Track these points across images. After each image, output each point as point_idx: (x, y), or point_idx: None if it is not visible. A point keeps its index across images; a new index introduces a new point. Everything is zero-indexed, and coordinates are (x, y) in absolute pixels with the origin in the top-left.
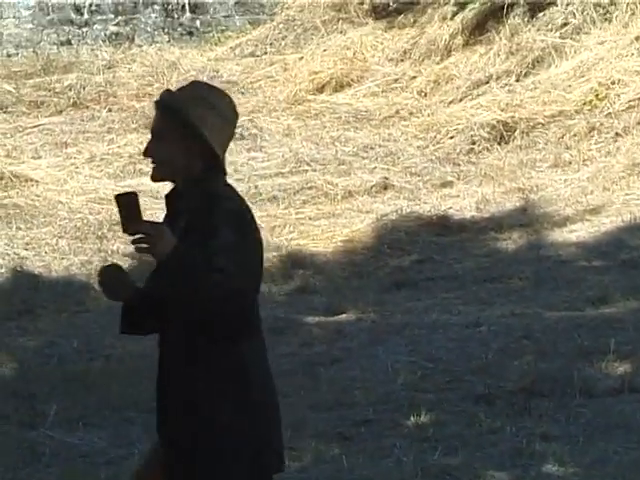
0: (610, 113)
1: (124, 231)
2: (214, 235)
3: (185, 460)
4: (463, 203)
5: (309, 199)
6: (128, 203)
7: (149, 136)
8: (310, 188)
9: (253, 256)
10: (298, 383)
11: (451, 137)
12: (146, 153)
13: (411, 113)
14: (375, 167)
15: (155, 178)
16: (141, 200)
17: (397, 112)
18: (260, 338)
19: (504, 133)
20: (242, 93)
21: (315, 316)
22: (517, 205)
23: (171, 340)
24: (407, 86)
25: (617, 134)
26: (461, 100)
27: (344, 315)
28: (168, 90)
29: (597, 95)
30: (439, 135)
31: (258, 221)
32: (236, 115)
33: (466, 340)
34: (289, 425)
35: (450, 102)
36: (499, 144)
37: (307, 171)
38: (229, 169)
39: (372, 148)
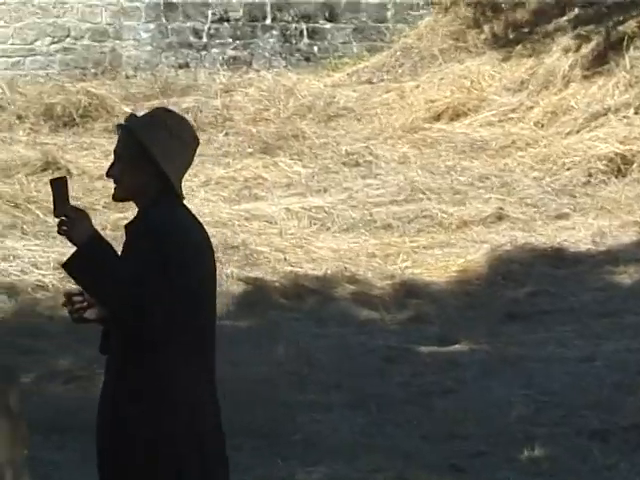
0: None
1: (54, 214)
2: (131, 247)
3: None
4: (579, 235)
5: (423, 228)
6: (59, 187)
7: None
8: (425, 217)
9: (174, 278)
10: (410, 413)
11: (568, 169)
12: (107, 173)
13: (527, 144)
14: (490, 197)
15: (115, 197)
16: (256, 226)
17: (513, 142)
18: (201, 361)
19: (621, 166)
20: (358, 120)
21: (428, 346)
22: (634, 239)
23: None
24: (524, 117)
25: None
26: (578, 132)
27: (457, 345)
28: (132, 114)
29: None
30: (555, 166)
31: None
32: (195, 141)
33: (581, 375)
34: (401, 455)
35: (567, 133)
36: (616, 177)
37: (422, 199)
38: (343, 195)
39: (487, 178)
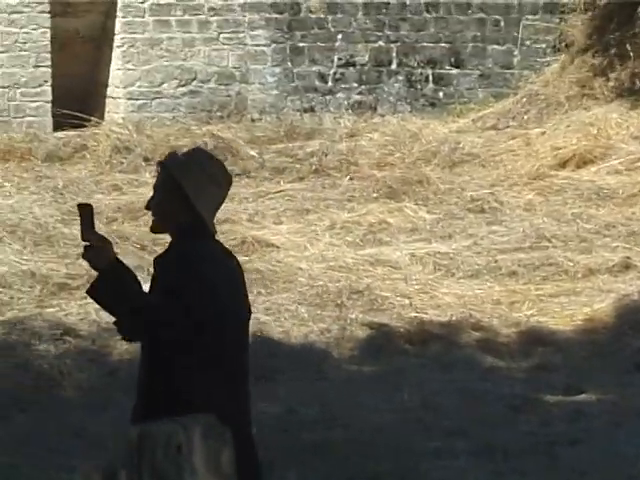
0: None
1: (81, 238)
2: (156, 275)
3: None
4: None
5: (549, 275)
6: (86, 214)
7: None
8: (550, 264)
9: (193, 306)
10: (537, 462)
11: None
12: (146, 206)
13: None
14: (617, 246)
15: (152, 229)
16: (381, 272)
17: None
18: (218, 378)
19: None
20: (483, 166)
21: (554, 395)
22: None
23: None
24: None
25: None
26: None
27: (584, 395)
28: (171, 152)
29: None
30: None
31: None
32: (227, 181)
33: None
34: None
35: None
36: None
37: (548, 247)
38: (468, 241)
39: (614, 226)
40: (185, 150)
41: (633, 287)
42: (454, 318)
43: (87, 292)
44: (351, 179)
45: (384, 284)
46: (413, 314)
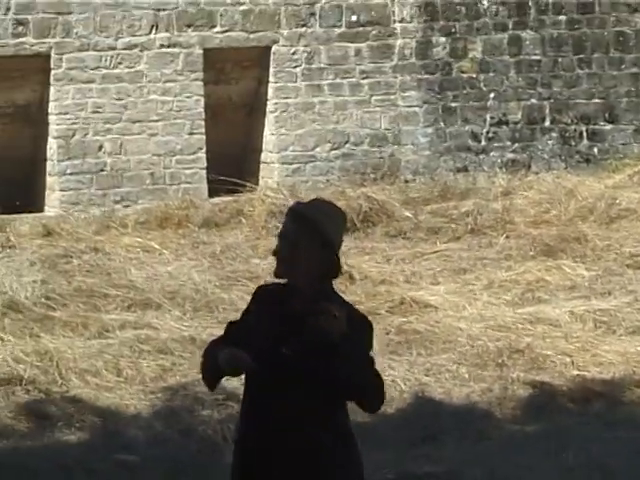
0: None
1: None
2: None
3: None
4: None
5: None
6: None
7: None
8: None
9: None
10: None
11: None
12: (278, 254)
13: None
14: None
15: (278, 274)
16: (540, 330)
17: None
18: None
19: None
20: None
21: None
22: None
23: (287, 403)
24: None
25: None
26: None
27: None
28: (299, 202)
29: None
30: None
31: None
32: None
33: None
34: None
35: None
36: None
37: None
38: (628, 297)
39: None
40: (307, 200)
41: None
42: (616, 375)
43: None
44: (507, 237)
45: (544, 342)
46: (575, 372)
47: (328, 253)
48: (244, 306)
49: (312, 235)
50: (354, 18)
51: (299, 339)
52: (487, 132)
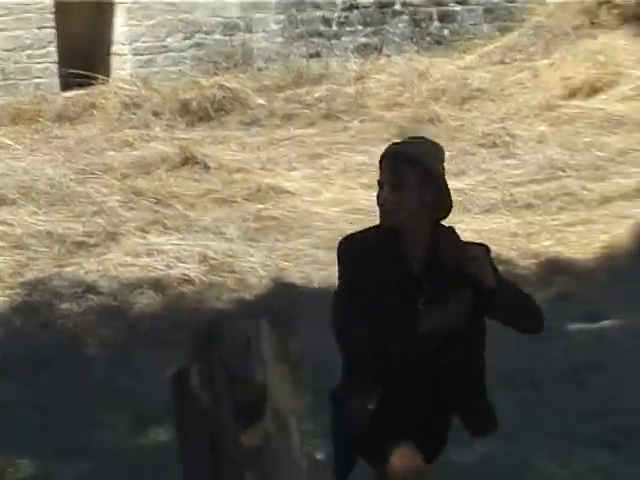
0: None
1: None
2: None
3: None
4: None
5: (565, 205)
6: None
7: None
8: (566, 194)
9: None
10: (562, 390)
11: None
12: (384, 202)
13: None
14: (632, 172)
15: (389, 222)
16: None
17: None
18: None
19: None
20: (492, 100)
21: (577, 323)
22: None
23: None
24: None
25: None
26: None
27: (607, 321)
28: (397, 143)
29: None
30: None
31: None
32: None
33: None
34: (554, 433)
35: None
36: None
37: (562, 177)
38: (482, 176)
39: (628, 152)
40: (400, 141)
41: None
42: None
43: None
44: (361, 121)
45: None
46: None
47: (437, 190)
48: (101, 198)
49: (418, 174)
50: None
51: (437, 291)
52: (338, 17)
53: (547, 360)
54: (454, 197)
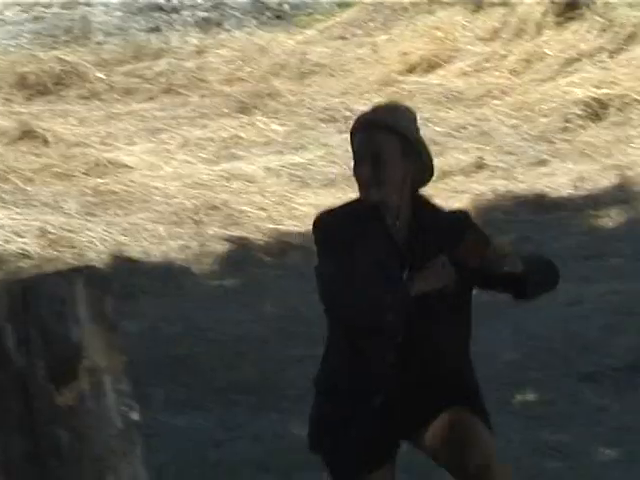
0: None
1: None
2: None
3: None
4: (559, 181)
5: None
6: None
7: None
8: None
9: None
10: None
11: (545, 115)
12: (365, 178)
13: (503, 92)
14: (469, 147)
15: (371, 199)
16: (237, 186)
17: (489, 92)
18: None
19: (598, 110)
20: (332, 76)
21: None
22: (614, 182)
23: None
24: (498, 65)
25: None
26: (553, 78)
27: None
28: (369, 113)
29: None
30: (532, 114)
31: None
32: None
33: (568, 318)
34: None
35: (542, 80)
36: (593, 121)
37: None
38: (322, 151)
39: (465, 128)
40: (370, 109)
41: (487, 186)
42: (311, 228)
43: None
44: (202, 96)
45: (240, 198)
46: (271, 226)
47: (419, 159)
48: None
49: (398, 145)
50: None
51: (421, 261)
52: None
53: None
54: (294, 171)
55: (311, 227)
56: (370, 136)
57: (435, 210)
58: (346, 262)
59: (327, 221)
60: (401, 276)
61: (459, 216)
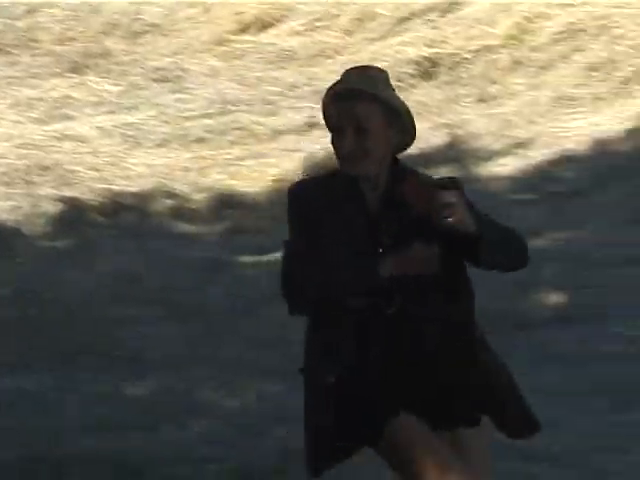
0: (534, 46)
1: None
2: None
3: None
4: None
5: (237, 139)
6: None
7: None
8: (237, 128)
9: None
10: (235, 322)
11: None
12: (347, 151)
13: (336, 51)
14: (302, 106)
15: (354, 172)
16: (69, 146)
17: (322, 51)
18: None
19: (429, 69)
20: (164, 35)
21: (248, 255)
22: (444, 140)
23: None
24: (331, 24)
25: (542, 67)
26: (386, 37)
27: (276, 254)
28: (350, 79)
29: (521, 29)
30: None
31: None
32: None
33: None
34: (228, 363)
35: (375, 39)
36: (425, 80)
37: (233, 112)
38: (154, 111)
39: (298, 87)
40: (341, 77)
41: (319, 145)
42: (144, 187)
43: None
44: (32, 56)
45: (73, 158)
46: (104, 186)
47: (402, 125)
48: None
49: (380, 113)
50: None
51: (399, 234)
52: None
53: (220, 293)
54: (126, 131)
55: (142, 187)
56: (350, 107)
57: (421, 184)
58: (313, 236)
59: (298, 192)
60: (372, 255)
61: (444, 183)
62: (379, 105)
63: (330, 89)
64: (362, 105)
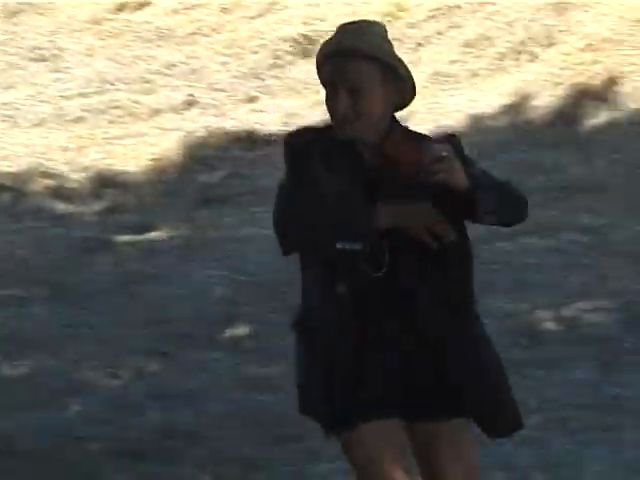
0: (411, 23)
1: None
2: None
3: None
4: (269, 118)
5: (115, 119)
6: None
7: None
8: (115, 107)
9: None
10: (113, 301)
11: (254, 52)
12: (342, 112)
13: (213, 29)
14: (180, 85)
15: (349, 134)
16: None
17: (199, 29)
18: None
19: (307, 46)
20: (41, 14)
21: (126, 235)
22: (323, 119)
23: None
24: (208, 2)
25: (419, 44)
26: (263, 15)
27: (155, 233)
28: (345, 35)
29: (397, 5)
30: (242, 51)
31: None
32: None
33: (277, 253)
34: (106, 343)
35: (252, 17)
36: (302, 58)
37: (111, 90)
38: (32, 90)
39: (176, 66)
40: (335, 33)
41: (198, 124)
42: (22, 167)
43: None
44: None
45: None
46: None
47: (400, 82)
48: None
49: (377, 70)
50: None
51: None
52: None
53: (98, 272)
54: (3, 110)
55: (19, 167)
56: (345, 65)
57: (417, 139)
58: (307, 185)
59: (296, 137)
60: (368, 205)
61: (441, 140)
62: (376, 63)
63: (324, 47)
64: (356, 64)
